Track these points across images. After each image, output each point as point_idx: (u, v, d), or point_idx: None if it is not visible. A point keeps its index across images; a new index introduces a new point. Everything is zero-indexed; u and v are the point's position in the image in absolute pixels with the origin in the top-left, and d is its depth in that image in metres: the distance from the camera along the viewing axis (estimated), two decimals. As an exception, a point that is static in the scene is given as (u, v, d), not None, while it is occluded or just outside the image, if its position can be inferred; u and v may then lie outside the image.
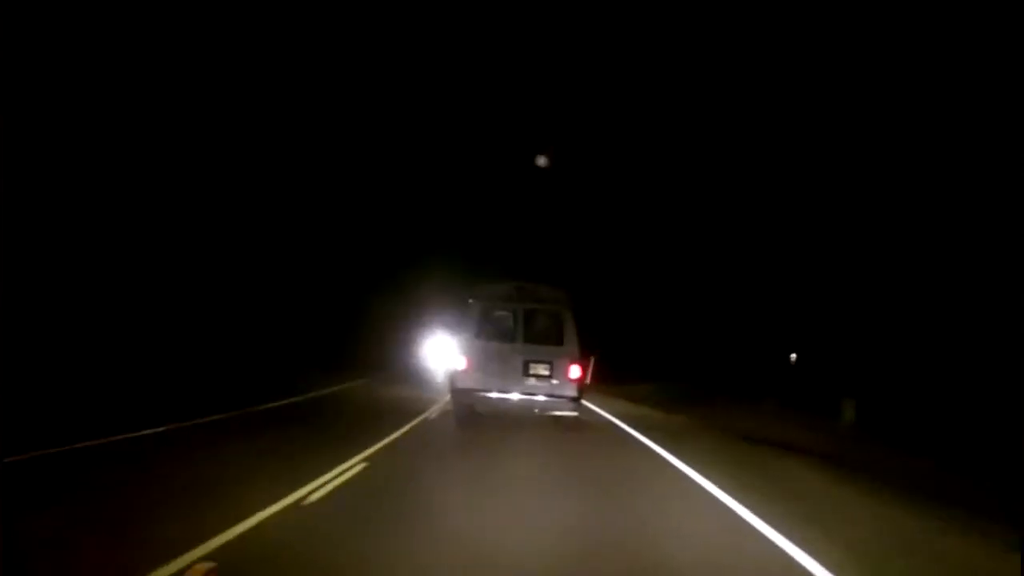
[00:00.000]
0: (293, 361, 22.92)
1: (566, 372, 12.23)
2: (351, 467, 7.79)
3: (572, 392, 12.24)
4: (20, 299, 13.65)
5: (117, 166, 17.84)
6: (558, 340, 12.41)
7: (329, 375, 21.36)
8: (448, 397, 13.22)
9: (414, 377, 24.16)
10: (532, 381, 12.23)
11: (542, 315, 12.65)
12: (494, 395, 12.24)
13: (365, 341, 30.04)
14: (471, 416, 12.70)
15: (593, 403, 16.26)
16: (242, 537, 4.98)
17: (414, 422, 12.82)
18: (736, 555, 5.41)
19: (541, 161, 28.54)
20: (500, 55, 37.48)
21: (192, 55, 20.52)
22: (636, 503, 7.16)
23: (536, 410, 12.35)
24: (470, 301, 12.86)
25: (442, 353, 24.97)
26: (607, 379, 20.62)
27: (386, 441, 10.14)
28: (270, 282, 26.02)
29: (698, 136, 29.46)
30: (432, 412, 14.23)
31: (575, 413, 12.42)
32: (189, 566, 4.25)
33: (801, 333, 25.23)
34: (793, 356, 26.29)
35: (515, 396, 12.22)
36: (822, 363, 22.83)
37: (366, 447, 9.17)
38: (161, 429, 9.88)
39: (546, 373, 12.26)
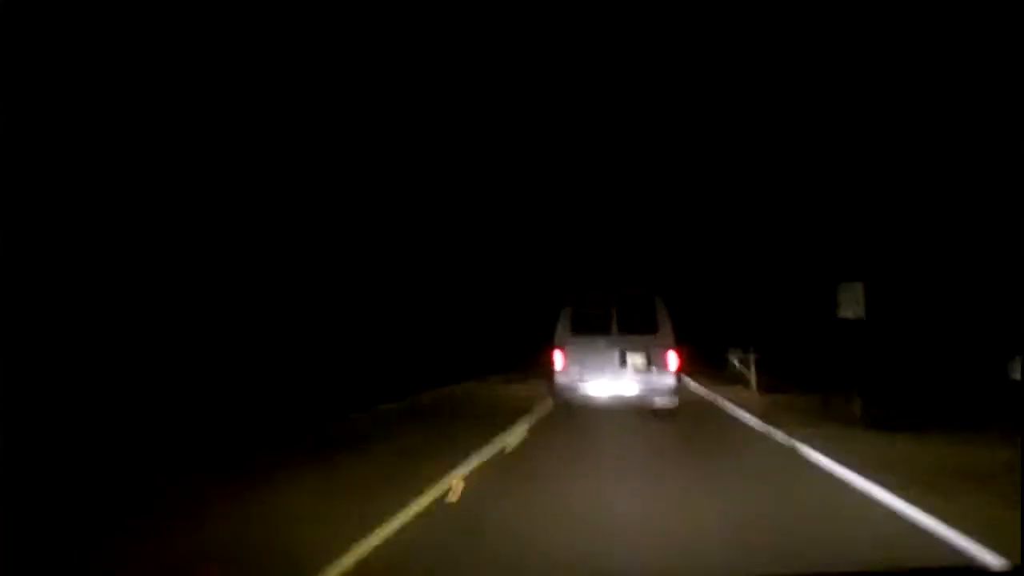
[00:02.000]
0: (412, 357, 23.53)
1: (664, 361, 12.31)
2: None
3: (671, 381, 12.39)
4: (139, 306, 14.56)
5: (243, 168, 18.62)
6: (652, 329, 12.47)
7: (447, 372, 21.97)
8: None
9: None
10: (630, 372, 12.35)
11: (634, 306, 12.76)
12: (593, 389, 12.37)
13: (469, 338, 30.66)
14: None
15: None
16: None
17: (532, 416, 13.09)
18: None
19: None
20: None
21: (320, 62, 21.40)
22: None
23: (636, 401, 12.40)
24: (565, 302, 13.09)
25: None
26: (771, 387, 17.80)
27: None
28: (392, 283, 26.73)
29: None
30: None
31: (675, 402, 12.48)
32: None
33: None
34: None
35: (614, 388, 12.36)
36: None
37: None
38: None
39: (643, 363, 12.34)
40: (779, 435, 10.40)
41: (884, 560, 4.60)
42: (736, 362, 22.07)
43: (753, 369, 19.59)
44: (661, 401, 12.40)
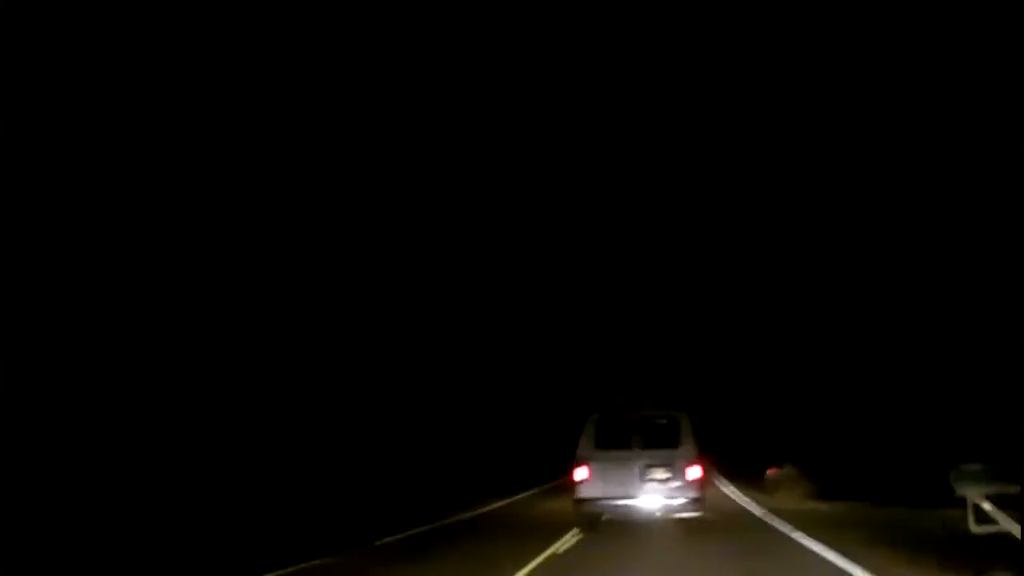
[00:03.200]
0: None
1: (685, 473, 12.53)
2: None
3: (693, 493, 12.63)
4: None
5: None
6: (675, 443, 12.78)
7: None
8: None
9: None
10: (653, 485, 12.56)
11: (658, 420, 13.15)
12: (616, 502, 12.55)
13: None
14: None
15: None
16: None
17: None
18: None
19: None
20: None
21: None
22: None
23: (659, 514, 12.54)
24: (590, 414, 13.47)
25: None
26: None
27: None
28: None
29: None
30: None
31: (698, 514, 12.56)
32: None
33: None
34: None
35: (637, 502, 12.54)
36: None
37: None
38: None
39: (666, 476, 12.55)
40: None
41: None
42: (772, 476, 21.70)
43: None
44: (684, 512, 12.60)
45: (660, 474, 12.60)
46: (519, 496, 21.95)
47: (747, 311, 37.49)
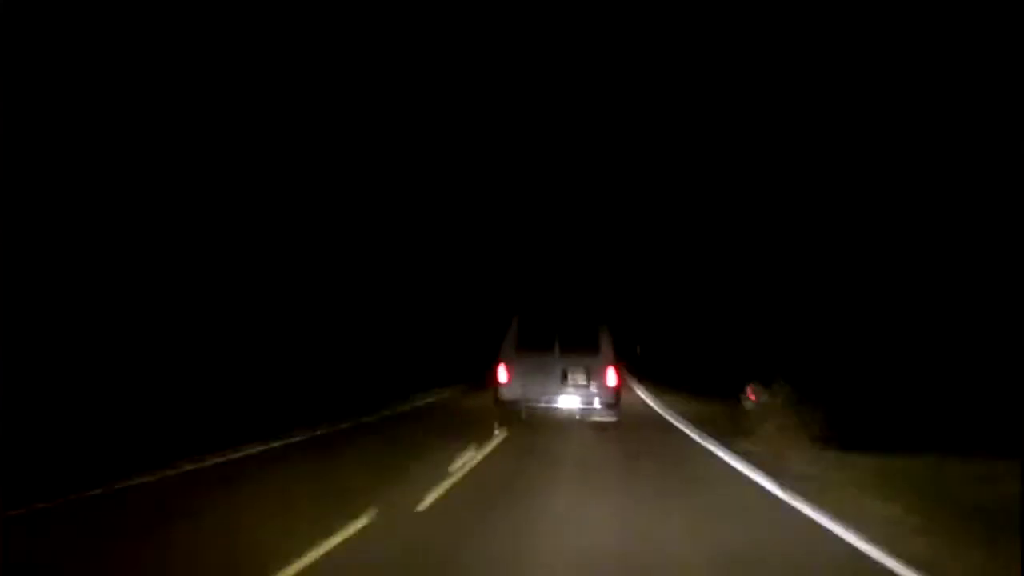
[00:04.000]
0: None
1: (603, 378, 13.33)
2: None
3: (609, 398, 13.30)
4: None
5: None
6: (594, 349, 13.53)
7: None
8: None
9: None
10: (571, 388, 13.37)
11: (578, 326, 13.75)
12: (536, 403, 13.38)
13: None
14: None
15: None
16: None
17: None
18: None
19: None
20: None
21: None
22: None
23: (577, 416, 13.45)
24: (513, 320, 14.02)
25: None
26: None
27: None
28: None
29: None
30: None
31: (614, 418, 13.47)
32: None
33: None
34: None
35: (555, 403, 13.37)
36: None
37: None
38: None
39: (584, 381, 13.41)
40: None
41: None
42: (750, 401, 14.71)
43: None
44: (601, 416, 13.42)
45: (579, 378, 13.36)
46: (446, 393, 23.39)
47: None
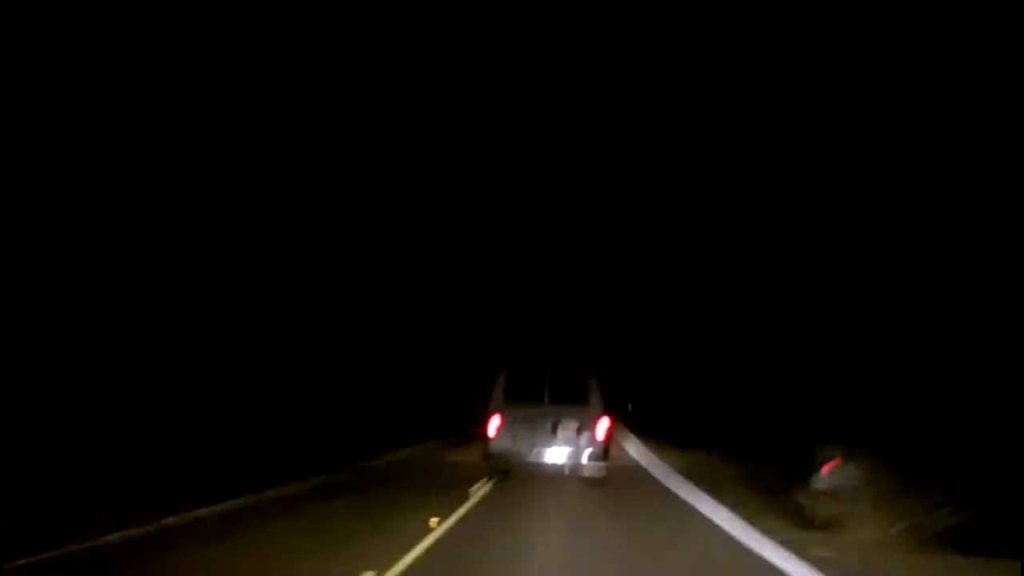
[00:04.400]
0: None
1: (594, 430, 12.79)
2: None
3: (599, 449, 12.82)
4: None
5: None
6: (583, 400, 12.96)
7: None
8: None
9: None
10: (561, 440, 12.77)
11: (567, 376, 13.26)
12: (526, 457, 12.73)
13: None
14: None
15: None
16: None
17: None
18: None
19: None
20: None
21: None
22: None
23: (566, 470, 12.79)
24: (502, 369, 13.59)
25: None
26: None
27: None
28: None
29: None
30: None
31: (603, 472, 12.87)
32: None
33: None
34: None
35: (545, 457, 12.73)
36: None
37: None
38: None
39: (574, 432, 12.77)
40: None
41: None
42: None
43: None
44: (590, 469, 12.80)
45: (569, 430, 12.81)
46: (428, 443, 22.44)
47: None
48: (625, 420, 35.10)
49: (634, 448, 21.98)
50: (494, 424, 12.95)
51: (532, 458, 12.81)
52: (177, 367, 16.80)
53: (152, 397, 15.23)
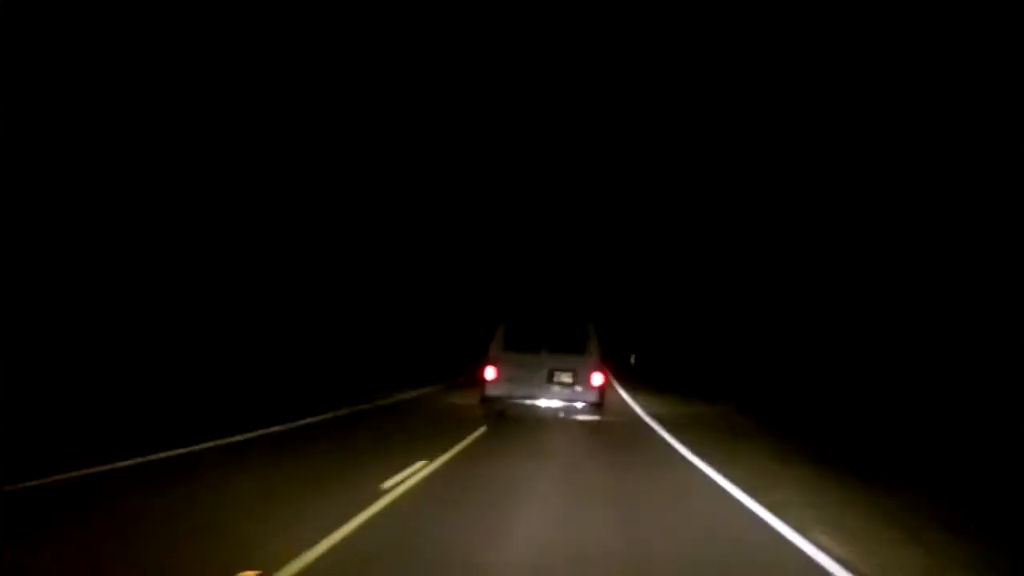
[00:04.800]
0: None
1: (589, 378, 13.18)
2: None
3: (594, 398, 13.18)
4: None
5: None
6: (580, 349, 13.36)
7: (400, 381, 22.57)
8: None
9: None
10: (556, 388, 13.21)
11: (565, 327, 13.63)
12: (521, 402, 13.19)
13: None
14: None
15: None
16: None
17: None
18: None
19: None
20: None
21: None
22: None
23: (560, 415, 13.26)
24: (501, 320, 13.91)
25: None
26: None
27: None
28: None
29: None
30: None
31: (598, 417, 13.33)
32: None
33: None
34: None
35: (541, 402, 13.18)
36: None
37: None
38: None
39: (569, 380, 13.23)
40: None
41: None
42: None
43: None
44: (584, 415, 13.28)
45: (565, 377, 13.27)
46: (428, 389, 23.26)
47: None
48: (624, 371, 35.60)
49: (628, 395, 22.99)
50: (491, 370, 13.27)
51: (528, 403, 13.17)
52: (224, 330, 17.91)
53: (203, 355, 16.23)
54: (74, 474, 7.13)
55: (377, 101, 27.69)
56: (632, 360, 45.80)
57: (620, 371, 35.26)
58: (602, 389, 13.39)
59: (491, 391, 13.34)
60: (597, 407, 13.24)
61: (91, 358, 14.04)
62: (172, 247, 17.31)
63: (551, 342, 13.46)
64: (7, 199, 10.23)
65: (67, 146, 14.62)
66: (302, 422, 12.55)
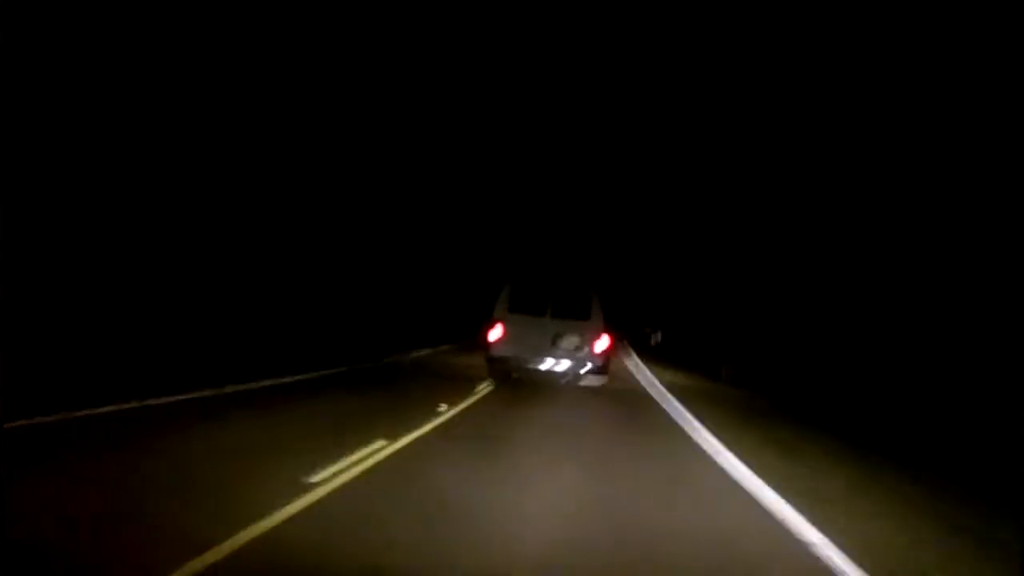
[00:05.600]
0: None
1: (593, 344, 13.32)
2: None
3: (598, 363, 13.37)
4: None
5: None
6: (585, 315, 13.48)
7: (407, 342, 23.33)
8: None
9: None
10: (561, 351, 13.36)
11: (570, 292, 13.78)
12: (525, 364, 13.36)
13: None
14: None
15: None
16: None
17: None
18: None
19: None
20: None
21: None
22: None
23: (564, 380, 13.42)
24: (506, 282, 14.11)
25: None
26: None
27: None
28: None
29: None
30: None
31: (601, 382, 13.49)
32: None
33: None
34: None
35: (545, 365, 13.34)
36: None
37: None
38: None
39: (574, 345, 13.36)
40: None
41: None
42: None
43: None
44: (588, 380, 13.46)
45: (569, 342, 13.41)
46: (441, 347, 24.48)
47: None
48: (633, 343, 35.12)
49: (634, 365, 23.40)
50: (496, 332, 13.42)
51: (532, 366, 13.35)
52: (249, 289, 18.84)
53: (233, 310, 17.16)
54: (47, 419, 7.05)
55: (386, 66, 27.64)
56: (653, 340, 43.94)
57: (642, 352, 33.46)
58: (606, 354, 13.55)
59: (497, 351, 13.50)
60: (601, 373, 13.41)
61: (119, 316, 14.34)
62: (204, 210, 17.77)
63: (556, 307, 13.61)
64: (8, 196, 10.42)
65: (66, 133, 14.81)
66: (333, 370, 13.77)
